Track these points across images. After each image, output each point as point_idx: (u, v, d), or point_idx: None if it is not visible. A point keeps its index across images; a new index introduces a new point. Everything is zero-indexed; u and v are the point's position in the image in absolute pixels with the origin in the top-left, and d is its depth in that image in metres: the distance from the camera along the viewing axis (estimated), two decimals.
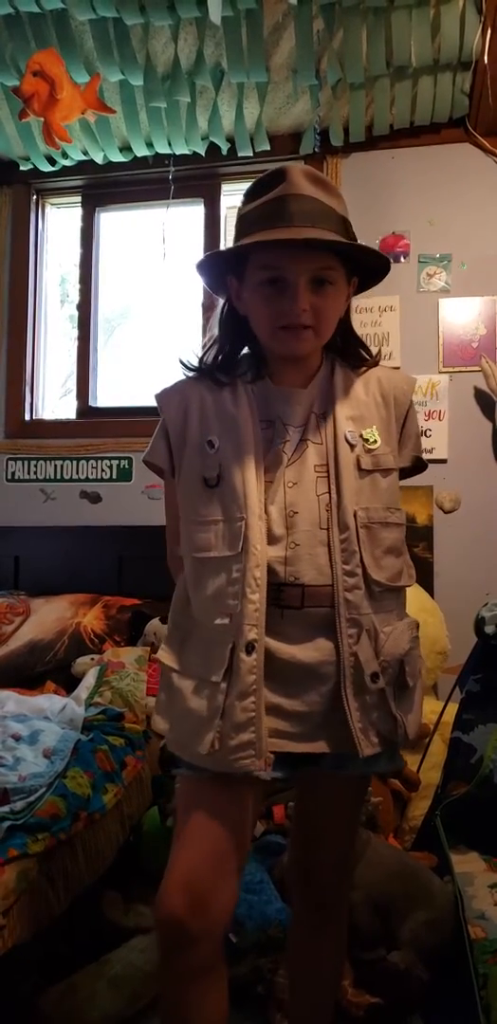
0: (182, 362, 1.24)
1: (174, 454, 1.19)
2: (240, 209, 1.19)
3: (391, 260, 2.92)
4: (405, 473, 1.24)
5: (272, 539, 1.11)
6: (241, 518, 1.10)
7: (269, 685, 1.08)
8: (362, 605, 1.10)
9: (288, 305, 1.11)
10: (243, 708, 1.06)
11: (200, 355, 1.24)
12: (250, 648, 1.07)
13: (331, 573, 1.10)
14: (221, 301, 1.24)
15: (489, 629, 2.04)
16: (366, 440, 1.16)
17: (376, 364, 1.25)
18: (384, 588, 1.13)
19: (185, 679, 1.13)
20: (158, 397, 1.23)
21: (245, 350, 1.24)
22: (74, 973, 1.63)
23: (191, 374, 1.23)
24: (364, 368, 1.23)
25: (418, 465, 1.26)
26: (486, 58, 2.57)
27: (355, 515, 1.11)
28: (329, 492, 1.12)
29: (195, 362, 1.23)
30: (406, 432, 1.22)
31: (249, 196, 1.17)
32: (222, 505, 1.12)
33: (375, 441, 1.16)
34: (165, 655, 1.18)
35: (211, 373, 1.20)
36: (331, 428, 1.15)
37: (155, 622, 2.64)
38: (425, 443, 2.91)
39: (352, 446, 1.14)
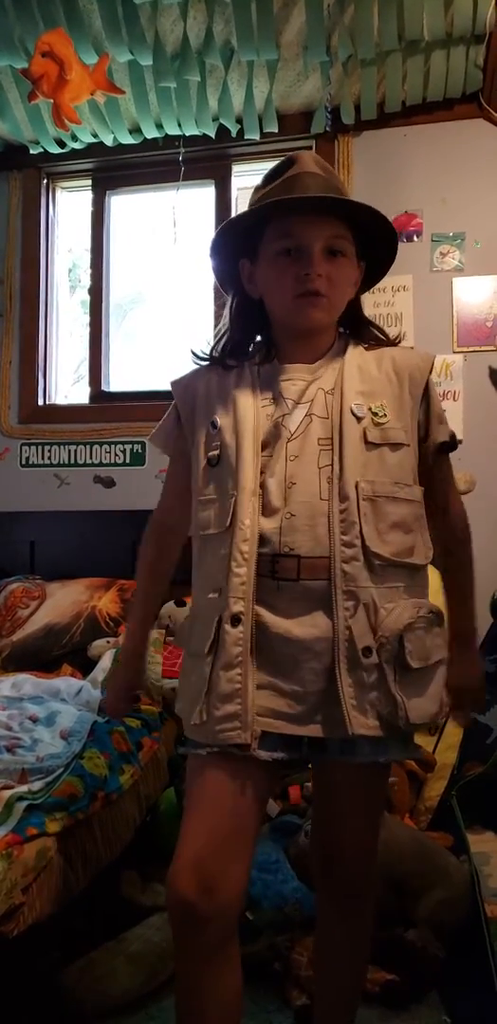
0: (193, 352, 1.29)
1: (187, 438, 1.24)
2: (252, 199, 1.22)
3: (404, 239, 2.97)
4: (445, 448, 1.24)
5: (270, 511, 1.11)
6: (232, 495, 1.12)
7: (264, 661, 1.09)
8: (360, 577, 1.09)
9: (304, 270, 1.14)
10: (228, 679, 1.07)
11: (211, 345, 1.28)
12: (235, 620, 1.08)
13: (329, 544, 1.09)
14: (230, 296, 1.28)
15: None
16: (375, 414, 1.15)
17: (392, 344, 1.25)
18: (387, 563, 1.11)
19: (188, 657, 1.19)
20: (171, 385, 1.29)
21: (257, 339, 1.28)
22: (93, 950, 1.65)
23: (202, 364, 1.27)
24: (378, 348, 1.23)
25: (453, 442, 1.26)
26: None
27: (357, 486, 1.10)
28: (331, 464, 1.12)
29: (206, 352, 1.28)
30: (433, 412, 1.22)
31: (261, 184, 1.22)
32: (218, 483, 1.16)
33: (384, 415, 1.15)
34: (178, 638, 1.23)
35: (222, 360, 1.24)
36: (338, 402, 1.15)
37: (170, 605, 2.64)
38: None
39: (359, 419, 1.14)
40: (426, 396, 1.22)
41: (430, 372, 1.23)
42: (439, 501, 1.26)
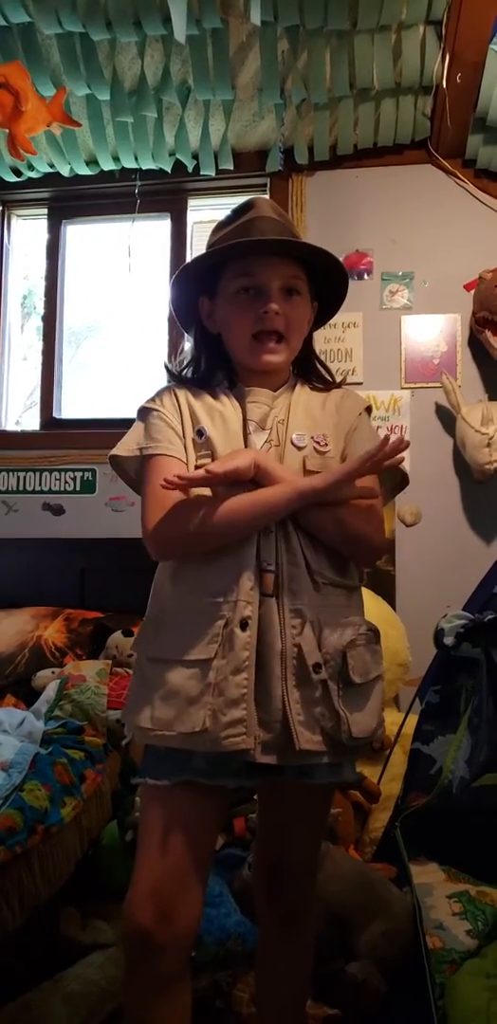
0: (167, 367, 1.32)
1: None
2: (210, 240, 1.27)
3: (355, 277, 3.04)
4: (392, 491, 1.29)
5: None
6: None
7: None
8: (305, 595, 1.12)
9: (262, 309, 1.18)
10: (237, 684, 1.07)
11: (179, 369, 1.31)
12: (244, 624, 1.08)
13: (276, 560, 1.13)
14: (191, 330, 1.31)
15: (448, 640, 2.06)
16: (318, 443, 1.20)
17: (338, 387, 1.32)
18: (328, 582, 1.15)
19: (164, 664, 1.11)
20: (150, 402, 1.24)
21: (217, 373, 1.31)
22: (29, 991, 1.60)
23: (172, 382, 1.29)
24: (324, 390, 1.30)
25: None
26: (445, 83, 2.64)
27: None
28: None
29: (175, 371, 1.31)
30: (356, 439, 1.24)
31: (219, 227, 1.26)
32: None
33: (326, 444, 1.20)
34: (138, 646, 1.19)
35: (191, 383, 1.28)
36: (284, 432, 1.21)
37: (117, 635, 2.61)
38: None
39: (299, 448, 1.19)
40: (356, 427, 1.26)
41: (364, 410, 1.29)
42: None
